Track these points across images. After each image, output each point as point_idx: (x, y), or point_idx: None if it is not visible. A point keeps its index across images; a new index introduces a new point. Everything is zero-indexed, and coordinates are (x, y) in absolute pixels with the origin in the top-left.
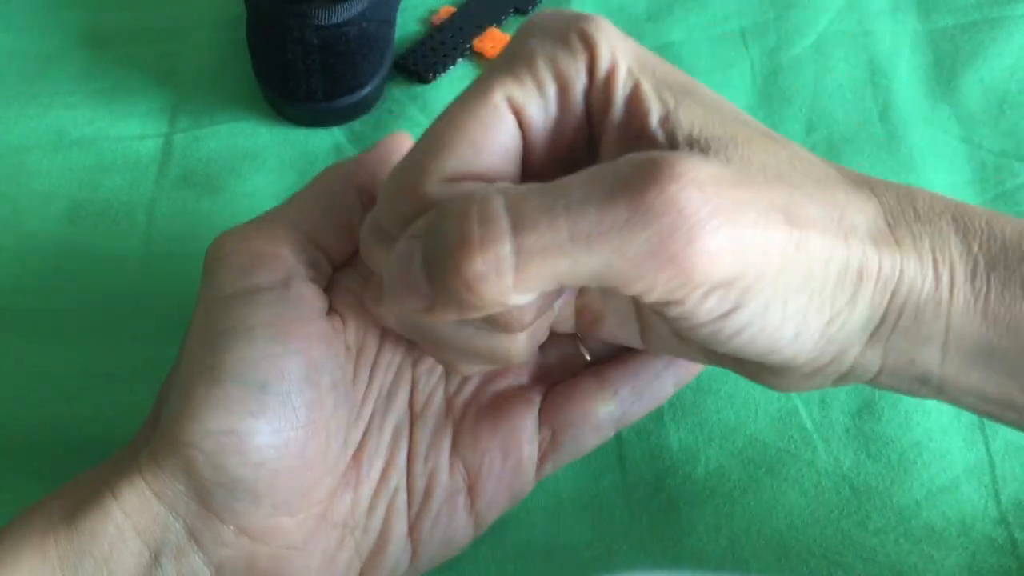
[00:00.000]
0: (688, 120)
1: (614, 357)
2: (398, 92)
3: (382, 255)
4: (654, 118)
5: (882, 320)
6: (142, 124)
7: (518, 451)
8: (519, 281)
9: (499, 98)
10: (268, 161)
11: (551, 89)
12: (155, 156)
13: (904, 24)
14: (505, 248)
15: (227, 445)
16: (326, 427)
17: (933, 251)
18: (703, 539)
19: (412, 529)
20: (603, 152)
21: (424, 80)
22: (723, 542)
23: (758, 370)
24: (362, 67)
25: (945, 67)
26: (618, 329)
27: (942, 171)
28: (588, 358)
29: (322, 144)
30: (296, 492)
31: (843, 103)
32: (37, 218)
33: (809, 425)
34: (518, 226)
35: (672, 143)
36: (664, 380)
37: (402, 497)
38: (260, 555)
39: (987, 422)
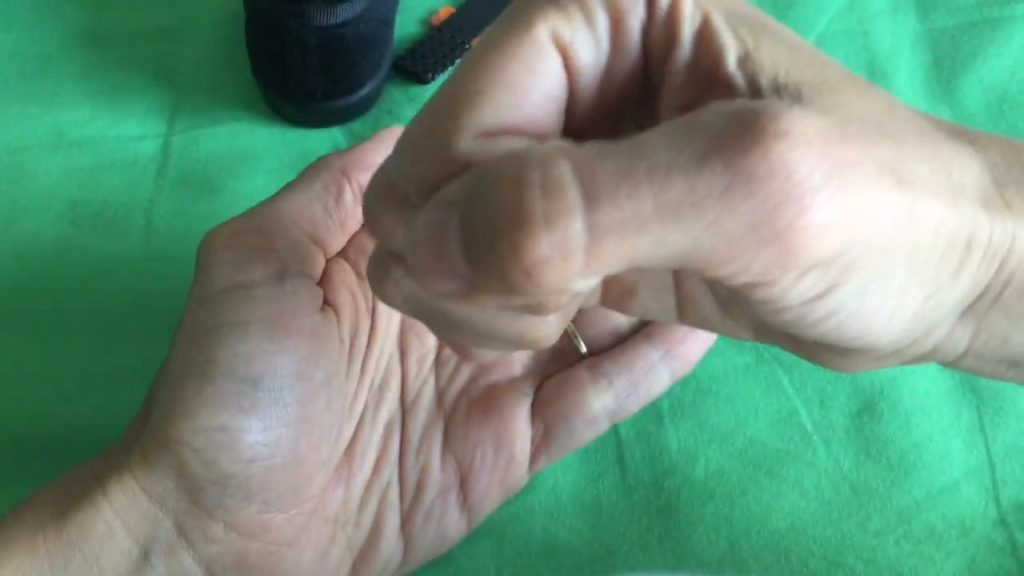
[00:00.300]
0: (771, 61)
1: (609, 349)
2: (397, 93)
3: (397, 225)
4: (731, 58)
5: (982, 295)
6: (141, 124)
7: (510, 444)
8: (589, 264)
9: (542, 33)
10: (267, 162)
11: (603, 22)
12: (154, 156)
13: (904, 24)
14: (576, 225)
15: (218, 442)
16: (319, 423)
17: None
18: (703, 540)
19: (404, 524)
20: (665, 100)
21: (423, 81)
22: (723, 543)
23: (821, 350)
24: (361, 67)
25: (945, 67)
26: (651, 304)
27: None
28: (584, 350)
29: (321, 144)
30: (288, 488)
31: None
32: (36, 218)
33: (809, 426)
34: (591, 196)
35: (754, 89)
36: (659, 373)
37: (394, 491)
38: (251, 551)
39: (987, 424)
